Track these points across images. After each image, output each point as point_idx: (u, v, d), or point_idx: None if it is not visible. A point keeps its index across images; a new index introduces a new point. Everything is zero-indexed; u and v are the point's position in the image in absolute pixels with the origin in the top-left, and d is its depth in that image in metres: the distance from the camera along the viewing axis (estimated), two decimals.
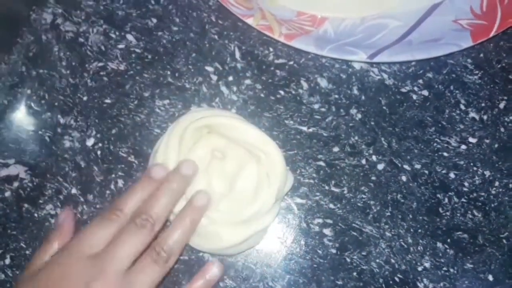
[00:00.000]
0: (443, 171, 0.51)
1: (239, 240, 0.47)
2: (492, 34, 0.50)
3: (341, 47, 0.51)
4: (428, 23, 0.53)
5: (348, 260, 0.50)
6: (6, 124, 0.53)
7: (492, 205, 0.51)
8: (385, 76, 0.53)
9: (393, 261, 0.50)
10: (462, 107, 0.53)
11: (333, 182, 0.51)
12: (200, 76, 0.54)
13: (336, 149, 0.52)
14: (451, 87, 0.53)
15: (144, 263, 0.42)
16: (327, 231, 0.50)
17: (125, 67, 0.54)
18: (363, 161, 0.52)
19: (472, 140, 0.52)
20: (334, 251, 0.50)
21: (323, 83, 0.53)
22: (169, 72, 0.54)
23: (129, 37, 0.55)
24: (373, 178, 0.51)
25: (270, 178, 0.46)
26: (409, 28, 0.53)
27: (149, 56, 0.54)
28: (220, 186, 0.48)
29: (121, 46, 0.55)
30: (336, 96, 0.53)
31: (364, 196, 0.51)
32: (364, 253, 0.50)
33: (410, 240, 0.50)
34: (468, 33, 0.51)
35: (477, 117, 0.53)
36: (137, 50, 0.55)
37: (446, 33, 0.52)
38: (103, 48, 0.55)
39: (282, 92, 0.53)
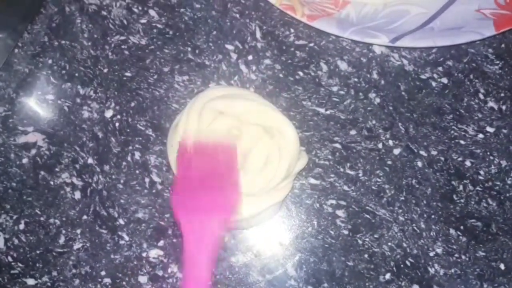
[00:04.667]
0: (459, 159, 0.52)
1: (250, 213, 0.47)
2: None
3: (364, 30, 0.51)
4: (451, 11, 0.53)
5: (360, 242, 0.50)
6: (26, 92, 0.54)
7: (507, 194, 0.51)
8: (405, 62, 0.54)
9: (405, 245, 0.50)
10: (481, 96, 0.53)
11: (348, 164, 0.52)
12: (220, 54, 0.55)
13: (353, 132, 0.52)
14: (471, 76, 0.53)
15: None
16: (340, 213, 0.51)
17: (146, 42, 0.55)
18: (380, 145, 0.52)
19: (489, 129, 0.52)
20: (346, 232, 0.50)
21: (343, 66, 0.54)
22: (189, 49, 0.55)
23: (152, 12, 0.55)
24: (389, 162, 0.52)
25: (281, 153, 0.47)
26: (431, 15, 0.53)
27: (170, 32, 0.55)
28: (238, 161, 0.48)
29: (143, 20, 0.55)
30: (356, 79, 0.54)
31: (379, 179, 0.51)
32: (376, 236, 0.50)
33: (423, 225, 0.50)
34: (491, 22, 0.51)
35: (495, 107, 0.53)
36: (159, 26, 0.55)
37: (469, 22, 0.52)
38: (125, 22, 0.55)
39: (301, 73, 0.54)
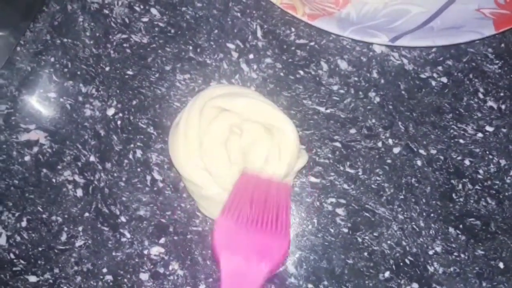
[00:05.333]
0: (459, 158, 0.52)
1: None
2: None
3: (364, 29, 0.52)
4: (450, 11, 0.54)
5: (360, 240, 0.51)
6: (28, 90, 0.54)
7: (506, 193, 0.51)
8: (405, 61, 0.54)
9: (404, 243, 0.50)
10: (481, 95, 0.53)
11: (348, 163, 0.52)
12: (221, 53, 0.55)
13: (353, 131, 0.53)
14: (470, 75, 0.54)
15: None
16: (340, 211, 0.51)
17: (148, 40, 0.55)
18: (379, 144, 0.52)
19: (489, 128, 0.53)
20: (346, 230, 0.51)
21: (343, 65, 0.54)
22: (191, 47, 0.55)
23: (153, 11, 0.56)
24: (389, 161, 0.52)
25: (281, 152, 0.47)
26: (431, 15, 0.53)
27: (172, 31, 0.56)
28: (237, 159, 0.49)
29: (145, 19, 0.56)
30: (356, 78, 0.54)
31: (378, 178, 0.52)
32: (376, 234, 0.51)
33: (422, 224, 0.51)
34: (491, 22, 0.51)
35: (495, 106, 0.53)
36: (161, 24, 0.56)
37: (469, 21, 0.53)
38: (127, 20, 0.56)
39: (301, 72, 0.54)
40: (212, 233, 0.43)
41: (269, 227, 0.41)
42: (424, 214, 0.51)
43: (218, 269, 0.40)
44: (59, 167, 0.53)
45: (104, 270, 0.51)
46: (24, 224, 0.52)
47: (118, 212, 0.52)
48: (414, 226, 0.51)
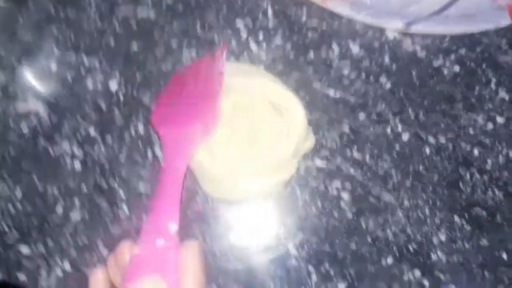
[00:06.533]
0: (468, 148, 0.57)
1: (255, 190, 0.52)
2: None
3: (378, 13, 0.57)
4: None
5: (364, 225, 0.55)
6: (29, 60, 0.59)
7: None
8: (418, 48, 0.60)
9: (409, 230, 0.55)
10: (493, 86, 0.59)
11: (355, 148, 0.57)
12: (230, 31, 0.60)
13: (362, 116, 0.58)
14: (483, 66, 0.59)
15: None
16: (344, 195, 0.56)
17: (154, 16, 0.60)
18: (388, 130, 0.57)
19: (499, 119, 0.58)
20: (350, 215, 0.56)
21: (354, 49, 0.60)
22: (198, 25, 0.60)
23: None
24: (397, 148, 0.57)
25: (289, 132, 0.52)
26: (447, 2, 0.59)
27: (180, 7, 0.61)
28: (242, 137, 0.53)
29: None
30: (367, 63, 0.59)
31: (385, 164, 0.57)
32: (380, 220, 0.55)
33: (427, 212, 0.56)
34: (507, 12, 0.57)
35: (506, 97, 0.58)
36: (168, 1, 0.61)
37: (484, 11, 0.58)
38: None
39: (312, 54, 0.59)
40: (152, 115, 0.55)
41: (199, 98, 0.53)
42: (430, 202, 0.56)
43: (162, 143, 0.52)
44: (57, 139, 0.57)
45: (101, 245, 0.55)
46: (19, 195, 0.56)
47: (117, 187, 0.56)
48: (420, 214, 0.56)
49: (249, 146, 0.53)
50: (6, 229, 0.55)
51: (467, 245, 0.54)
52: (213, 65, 0.54)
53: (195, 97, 0.53)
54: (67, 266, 0.54)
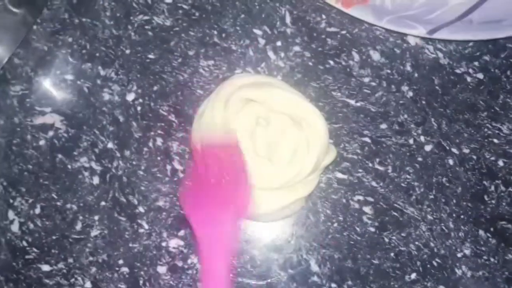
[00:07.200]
0: (492, 158, 0.56)
1: (276, 207, 0.51)
2: None
3: (400, 20, 0.55)
4: (491, 3, 0.57)
5: (387, 240, 0.55)
6: (44, 71, 0.58)
7: None
8: (440, 55, 0.58)
9: (432, 245, 0.54)
10: None
11: (377, 159, 0.56)
12: (248, 39, 0.58)
13: (383, 126, 0.57)
14: (508, 72, 0.57)
15: None
16: (367, 209, 0.55)
17: (171, 23, 0.59)
18: (411, 141, 0.56)
19: None
20: (372, 229, 0.55)
21: (375, 56, 0.58)
22: (215, 32, 0.59)
23: None
24: (420, 159, 0.56)
25: (310, 146, 0.50)
26: (470, 7, 0.57)
27: (197, 14, 0.59)
28: (263, 152, 0.52)
29: (168, 0, 0.59)
30: (388, 71, 0.58)
31: (408, 176, 0.56)
32: (403, 234, 0.54)
33: (451, 225, 0.55)
34: None
35: None
36: (185, 6, 0.59)
37: (510, 15, 0.56)
38: (149, 1, 0.59)
39: (331, 62, 0.58)
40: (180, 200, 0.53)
41: (228, 180, 0.49)
42: (454, 215, 0.55)
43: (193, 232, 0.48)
44: (75, 153, 0.57)
45: (120, 261, 0.55)
46: (37, 211, 0.56)
47: (136, 202, 0.56)
48: (443, 228, 0.55)
49: (269, 161, 0.51)
50: (26, 246, 0.54)
51: (492, 259, 0.54)
52: (232, 150, 0.52)
53: (221, 178, 0.49)
54: (87, 283, 0.53)
